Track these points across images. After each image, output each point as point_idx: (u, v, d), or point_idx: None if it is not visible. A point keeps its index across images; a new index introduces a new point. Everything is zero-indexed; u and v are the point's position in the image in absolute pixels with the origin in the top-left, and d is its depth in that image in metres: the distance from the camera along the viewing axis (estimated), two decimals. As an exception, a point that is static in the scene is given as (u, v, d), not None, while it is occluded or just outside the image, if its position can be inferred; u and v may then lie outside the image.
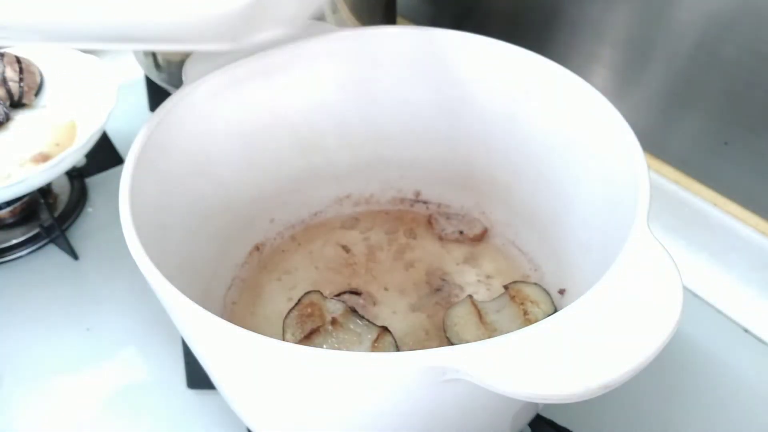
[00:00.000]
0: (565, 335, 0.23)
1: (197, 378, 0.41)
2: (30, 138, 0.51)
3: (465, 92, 0.40)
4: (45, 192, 0.53)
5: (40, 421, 0.41)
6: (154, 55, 0.56)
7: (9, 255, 0.51)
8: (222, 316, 0.24)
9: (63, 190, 0.55)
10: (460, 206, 0.47)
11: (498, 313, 0.37)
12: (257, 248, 0.45)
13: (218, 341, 0.25)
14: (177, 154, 0.35)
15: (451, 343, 0.34)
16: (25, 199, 0.52)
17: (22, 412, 0.41)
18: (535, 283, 0.39)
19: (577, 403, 0.22)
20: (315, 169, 0.45)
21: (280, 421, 0.31)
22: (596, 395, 0.21)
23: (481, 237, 0.46)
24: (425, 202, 0.48)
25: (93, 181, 0.57)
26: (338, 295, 0.42)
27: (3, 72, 0.53)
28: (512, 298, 0.37)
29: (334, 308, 0.38)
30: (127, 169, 0.31)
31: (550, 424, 0.37)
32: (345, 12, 0.69)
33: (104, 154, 0.57)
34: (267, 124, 0.41)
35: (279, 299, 0.42)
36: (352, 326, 0.37)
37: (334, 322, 0.38)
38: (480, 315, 0.37)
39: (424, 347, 0.30)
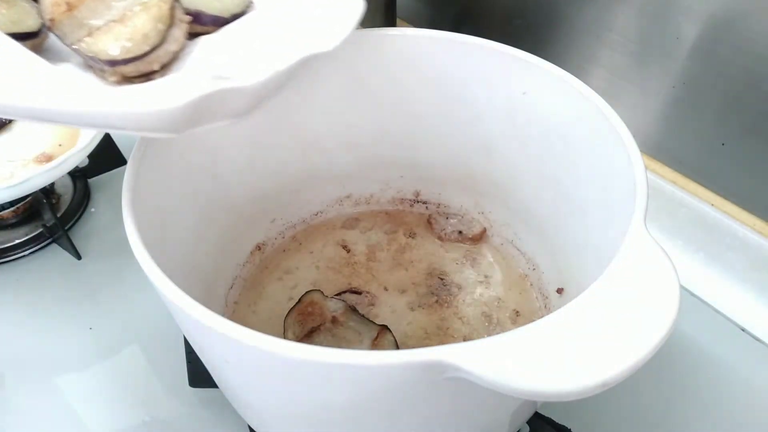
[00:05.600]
0: (564, 334, 0.23)
1: (199, 377, 0.41)
2: (33, 138, 0.52)
3: (464, 93, 0.40)
4: (48, 192, 0.53)
5: (42, 420, 0.41)
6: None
7: (12, 254, 0.51)
8: (223, 315, 0.24)
9: (66, 191, 0.55)
10: (460, 206, 0.47)
11: None
12: (259, 248, 0.45)
13: (220, 340, 0.25)
14: (179, 154, 0.35)
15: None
16: (28, 199, 0.52)
17: (25, 411, 0.42)
18: None
19: (576, 401, 0.22)
20: (315, 169, 0.45)
21: (281, 420, 0.31)
22: (595, 393, 0.21)
23: (480, 237, 0.46)
24: (425, 203, 0.48)
25: (96, 182, 0.57)
26: (339, 294, 0.42)
27: (5, 73, 0.53)
28: None
29: (335, 307, 0.39)
30: (129, 170, 0.31)
31: (549, 422, 0.37)
32: (345, 13, 0.69)
33: (107, 155, 0.57)
34: (268, 125, 0.41)
35: (280, 298, 0.43)
36: (352, 325, 0.38)
37: (334, 320, 0.38)
38: None
39: (423, 346, 0.30)
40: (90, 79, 0.28)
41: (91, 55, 0.27)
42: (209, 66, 0.28)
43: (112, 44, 0.26)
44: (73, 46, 0.27)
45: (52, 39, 0.30)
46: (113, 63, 0.27)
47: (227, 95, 0.25)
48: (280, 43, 0.29)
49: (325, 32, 0.28)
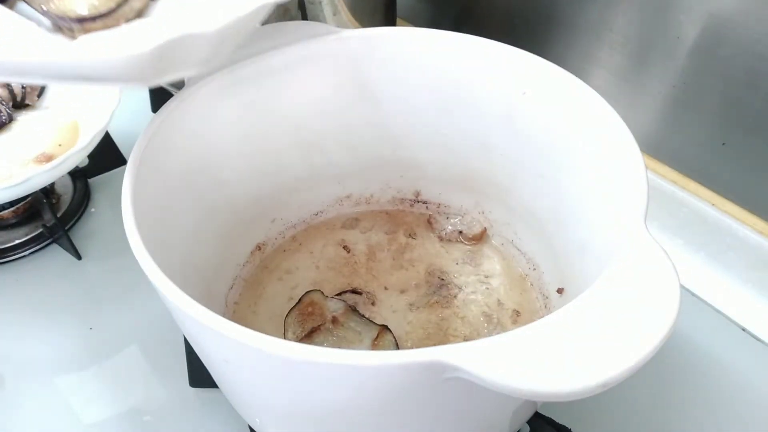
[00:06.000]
0: (564, 334, 0.23)
1: (199, 377, 0.41)
2: (33, 139, 0.52)
3: (464, 93, 0.40)
4: (48, 192, 0.53)
5: (42, 420, 0.41)
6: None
7: (12, 255, 0.51)
8: (224, 316, 0.24)
9: (66, 191, 0.56)
10: (460, 206, 0.47)
11: None
12: (259, 248, 0.45)
13: (220, 340, 0.25)
14: (179, 154, 0.36)
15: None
16: (28, 200, 0.52)
17: (25, 411, 0.42)
18: None
19: (576, 401, 0.22)
20: (316, 169, 0.45)
21: (281, 420, 0.31)
22: (595, 393, 0.21)
23: (480, 237, 0.46)
24: (425, 203, 0.48)
25: (96, 182, 0.57)
26: (339, 294, 0.42)
27: (6, 73, 0.53)
28: None
29: (335, 307, 0.39)
30: (129, 170, 0.31)
31: (549, 422, 0.37)
32: (345, 14, 0.69)
33: (107, 155, 0.57)
34: (268, 125, 0.41)
35: (280, 298, 0.43)
36: (352, 325, 0.38)
37: (334, 320, 0.38)
38: None
39: (423, 345, 0.30)
40: (60, 39, 0.29)
41: (59, 14, 0.28)
42: (172, 20, 0.29)
43: (80, 3, 0.28)
44: (42, 7, 0.28)
45: (19, 6, 0.31)
46: (81, 20, 0.28)
47: (191, 41, 0.26)
48: None
49: None
